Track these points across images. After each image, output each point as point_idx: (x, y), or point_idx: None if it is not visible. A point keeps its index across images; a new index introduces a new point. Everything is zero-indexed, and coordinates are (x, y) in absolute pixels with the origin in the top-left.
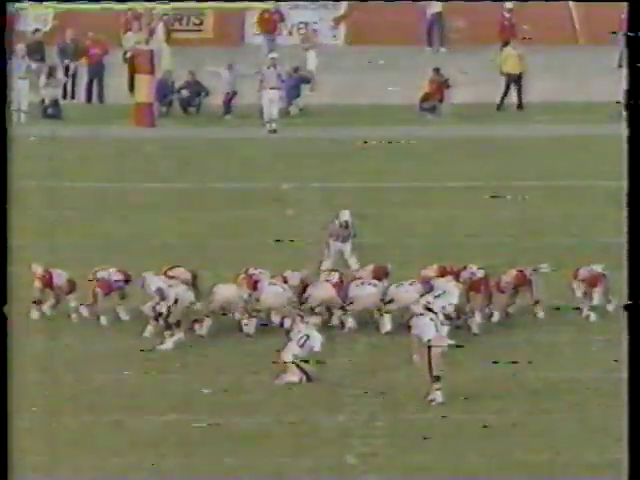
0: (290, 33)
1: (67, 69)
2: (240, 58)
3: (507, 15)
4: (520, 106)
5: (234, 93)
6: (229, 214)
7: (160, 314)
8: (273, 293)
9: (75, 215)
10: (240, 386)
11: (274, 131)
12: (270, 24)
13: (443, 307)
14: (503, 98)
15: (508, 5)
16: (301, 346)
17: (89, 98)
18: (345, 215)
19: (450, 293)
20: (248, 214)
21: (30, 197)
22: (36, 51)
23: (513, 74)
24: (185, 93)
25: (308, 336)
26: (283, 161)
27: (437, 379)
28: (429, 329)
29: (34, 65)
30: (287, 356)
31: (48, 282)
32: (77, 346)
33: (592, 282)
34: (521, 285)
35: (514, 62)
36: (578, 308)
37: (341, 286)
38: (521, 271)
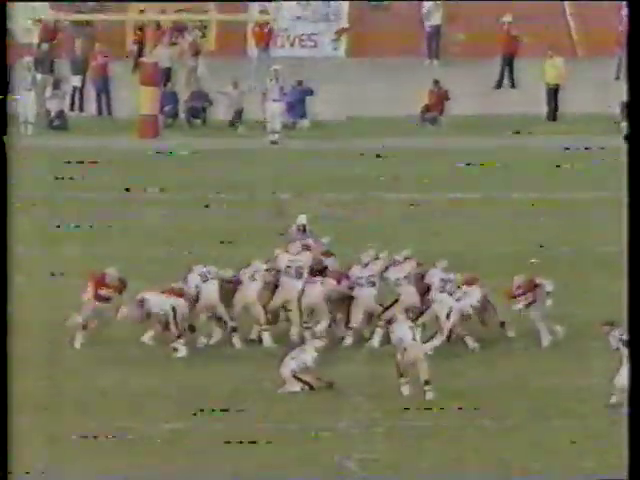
0: (292, 45)
1: (83, 82)
2: (243, 71)
3: (505, 28)
4: (553, 117)
5: (240, 110)
6: (231, 224)
7: (167, 323)
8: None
9: (80, 226)
10: (243, 394)
11: (276, 142)
12: (262, 37)
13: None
14: (553, 108)
15: (507, 19)
16: (294, 359)
17: (100, 111)
18: (302, 219)
19: (471, 295)
20: (249, 224)
21: (36, 208)
22: (43, 63)
23: (552, 85)
24: (190, 104)
25: (302, 350)
26: (284, 172)
27: (427, 383)
28: (407, 336)
29: (39, 77)
30: (284, 371)
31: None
32: (82, 352)
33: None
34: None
35: (554, 73)
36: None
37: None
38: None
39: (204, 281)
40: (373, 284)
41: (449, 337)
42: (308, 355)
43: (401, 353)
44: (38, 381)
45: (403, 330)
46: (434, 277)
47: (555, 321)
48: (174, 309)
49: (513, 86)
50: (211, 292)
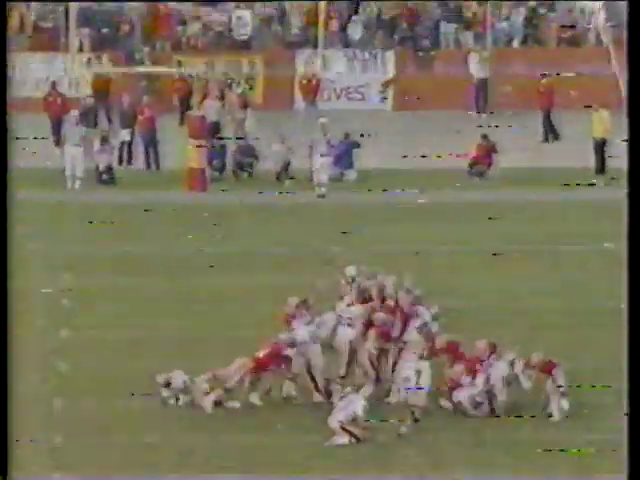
0: (339, 98)
1: (131, 135)
2: (290, 124)
3: (543, 82)
4: (601, 170)
5: (287, 164)
6: (279, 277)
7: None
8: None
9: (127, 280)
10: (290, 445)
11: (323, 196)
12: (309, 90)
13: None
14: (601, 162)
15: (542, 71)
16: (344, 410)
17: (148, 164)
18: (351, 270)
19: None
20: (298, 278)
21: (84, 263)
22: (90, 117)
23: (599, 138)
24: (238, 158)
25: (351, 401)
26: (333, 225)
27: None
28: (411, 378)
29: (87, 131)
30: (332, 422)
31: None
32: (127, 405)
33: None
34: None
35: (601, 127)
36: None
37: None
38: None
39: (313, 342)
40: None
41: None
42: (358, 405)
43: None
44: (83, 436)
45: (408, 370)
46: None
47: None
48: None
49: (556, 138)
50: (316, 354)
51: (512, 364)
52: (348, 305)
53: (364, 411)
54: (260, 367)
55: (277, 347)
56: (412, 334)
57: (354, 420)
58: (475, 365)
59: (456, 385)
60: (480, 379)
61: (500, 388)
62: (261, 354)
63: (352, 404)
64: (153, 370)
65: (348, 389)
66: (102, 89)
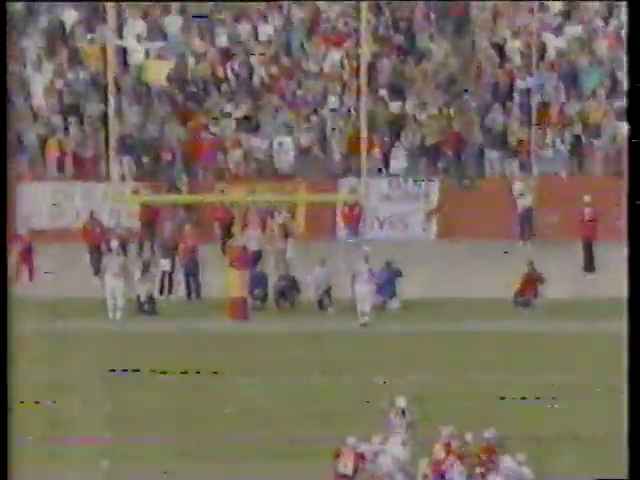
0: (381, 226)
1: (172, 265)
2: (332, 253)
3: (586, 210)
4: None
5: (329, 289)
6: (324, 408)
7: None
8: None
9: (173, 408)
10: None
11: (365, 324)
12: (352, 218)
13: None
14: None
15: (586, 199)
16: None
17: (189, 294)
18: (402, 402)
19: None
20: (342, 408)
21: (126, 390)
22: (127, 246)
23: None
24: (279, 287)
25: None
26: (375, 355)
27: None
28: None
29: (127, 260)
30: None
31: None
32: None
33: None
34: None
35: None
36: None
37: None
38: None
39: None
40: None
41: None
42: None
43: None
44: None
45: None
46: None
47: None
48: None
49: (593, 270)
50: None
51: None
52: (402, 445)
53: None
54: None
55: None
56: None
57: None
58: None
59: None
60: None
61: None
62: None
63: None
64: None
65: None
66: (149, 219)
